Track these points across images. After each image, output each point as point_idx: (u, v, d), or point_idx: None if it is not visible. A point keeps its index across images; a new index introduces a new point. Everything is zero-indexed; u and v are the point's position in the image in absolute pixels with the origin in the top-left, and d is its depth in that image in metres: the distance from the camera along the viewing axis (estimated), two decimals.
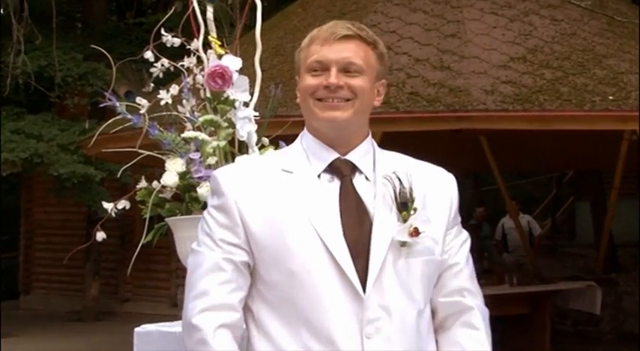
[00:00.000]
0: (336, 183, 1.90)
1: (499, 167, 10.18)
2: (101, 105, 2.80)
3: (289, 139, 2.87)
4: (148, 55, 2.89)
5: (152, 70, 2.93)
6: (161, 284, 13.67)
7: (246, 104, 2.75)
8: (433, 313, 1.97)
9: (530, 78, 6.99)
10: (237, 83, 2.70)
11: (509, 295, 8.91)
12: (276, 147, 2.76)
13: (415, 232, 1.86)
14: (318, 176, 1.90)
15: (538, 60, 7.21)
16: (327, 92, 1.89)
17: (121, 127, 2.85)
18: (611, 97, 6.71)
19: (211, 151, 2.68)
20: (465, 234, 2.03)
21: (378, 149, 1.98)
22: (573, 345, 9.83)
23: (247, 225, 1.86)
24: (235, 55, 2.75)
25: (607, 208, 11.05)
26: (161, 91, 2.82)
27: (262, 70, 2.95)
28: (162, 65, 2.93)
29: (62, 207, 14.33)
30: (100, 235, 2.82)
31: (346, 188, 1.89)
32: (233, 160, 2.69)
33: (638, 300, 10.97)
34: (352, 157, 1.92)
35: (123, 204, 2.77)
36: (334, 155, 1.91)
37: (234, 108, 2.71)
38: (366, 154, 1.94)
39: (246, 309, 1.89)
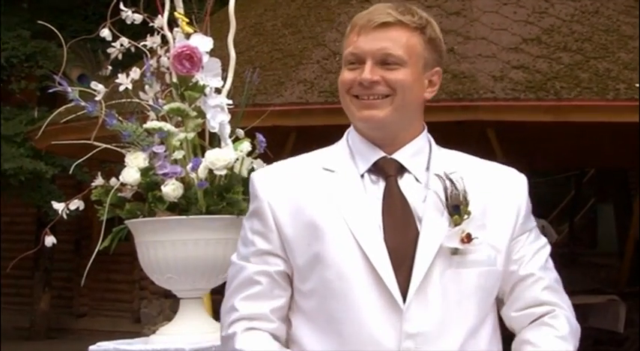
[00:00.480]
0: (381, 184, 1.94)
1: (509, 165, 10.21)
2: (51, 90, 2.80)
3: (267, 131, 2.89)
4: (105, 33, 2.89)
5: (110, 50, 2.93)
6: (122, 297, 13.65)
7: (218, 91, 2.76)
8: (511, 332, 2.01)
9: (546, 62, 7.02)
10: (208, 67, 2.71)
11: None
12: (253, 140, 2.77)
13: (467, 239, 1.88)
14: (362, 176, 1.95)
15: (554, 42, 7.25)
16: (361, 89, 1.93)
17: (74, 115, 2.84)
18: (637, 85, 6.75)
19: (178, 144, 2.68)
20: (543, 241, 2.06)
21: (435, 147, 2.01)
22: None
23: (281, 229, 1.92)
24: (206, 34, 2.76)
25: (633, 211, 11.10)
26: (120, 75, 2.82)
27: (237, 52, 2.96)
28: (122, 45, 2.93)
29: (8, 208, 14.28)
30: (50, 240, 2.83)
31: (390, 189, 1.93)
32: (203, 155, 2.70)
33: None
34: (399, 156, 1.96)
35: (76, 204, 2.78)
36: (379, 154, 1.96)
37: (205, 95, 2.71)
38: (417, 152, 1.98)
39: (286, 322, 1.96)
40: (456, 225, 1.90)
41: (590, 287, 12.12)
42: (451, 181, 1.93)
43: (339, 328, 1.85)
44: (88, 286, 13.11)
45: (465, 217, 1.90)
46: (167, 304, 10.16)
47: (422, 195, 1.93)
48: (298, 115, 6.81)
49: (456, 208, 1.91)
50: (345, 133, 2.03)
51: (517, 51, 7.13)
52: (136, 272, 13.20)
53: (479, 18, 7.50)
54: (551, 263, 2.06)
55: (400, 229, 1.89)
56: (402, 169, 1.95)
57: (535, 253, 2.02)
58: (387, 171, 1.94)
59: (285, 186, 1.95)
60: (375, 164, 1.95)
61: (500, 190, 2.00)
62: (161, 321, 8.79)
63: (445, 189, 1.92)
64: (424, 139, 2.01)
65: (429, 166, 1.97)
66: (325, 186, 1.93)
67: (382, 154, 1.95)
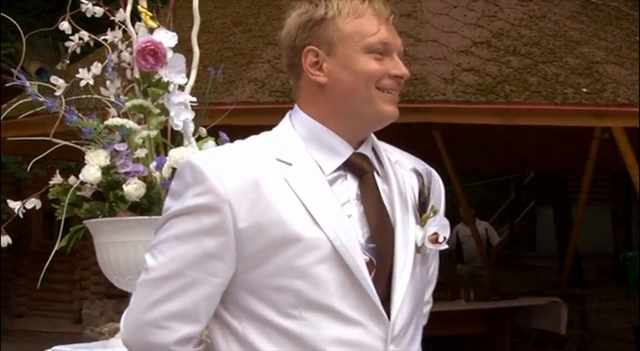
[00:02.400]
0: (350, 181, 1.82)
1: (454, 167, 10.30)
2: (8, 85, 2.70)
3: (231, 130, 2.82)
4: (65, 26, 2.81)
5: (69, 44, 2.85)
6: (62, 297, 13.42)
7: (181, 88, 2.69)
8: None
9: (495, 66, 7.06)
10: (172, 63, 2.65)
11: (465, 312, 9.02)
12: (217, 138, 2.71)
13: (436, 239, 1.83)
14: (322, 172, 1.80)
15: (504, 45, 7.30)
16: (394, 83, 1.82)
17: (31, 111, 2.76)
18: (584, 90, 6.83)
19: (140, 141, 2.62)
20: None
21: (376, 140, 1.91)
22: None
23: (240, 233, 1.73)
24: (169, 29, 2.69)
25: (572, 214, 11.27)
26: (80, 70, 2.74)
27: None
28: (81, 39, 2.85)
29: None
30: (5, 240, 2.73)
31: (369, 188, 1.82)
32: (165, 153, 2.63)
33: (604, 318, 11.23)
34: (364, 150, 1.85)
35: (32, 203, 2.69)
36: (350, 150, 1.83)
37: (168, 92, 2.65)
38: (369, 147, 1.88)
39: (223, 326, 1.79)
40: (423, 223, 1.84)
41: (530, 288, 12.31)
42: (419, 175, 1.87)
43: (318, 339, 1.73)
44: (27, 285, 12.88)
45: (431, 215, 1.84)
46: (109, 305, 10.01)
47: (386, 190, 1.84)
48: (249, 115, 6.75)
49: (423, 205, 1.85)
50: (288, 122, 1.86)
51: (467, 54, 7.17)
52: (77, 272, 13.01)
53: (429, 20, 7.53)
54: None
55: (383, 230, 1.81)
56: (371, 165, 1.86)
57: (435, 254, 1.97)
58: (363, 167, 1.83)
59: (244, 181, 1.74)
60: (346, 161, 1.82)
61: (429, 184, 1.93)
62: (104, 322, 8.64)
63: (420, 185, 1.86)
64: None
65: (378, 158, 1.88)
66: (286, 181, 1.76)
67: (351, 149, 1.83)
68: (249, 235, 1.72)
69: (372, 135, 1.90)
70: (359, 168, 1.82)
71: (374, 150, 1.89)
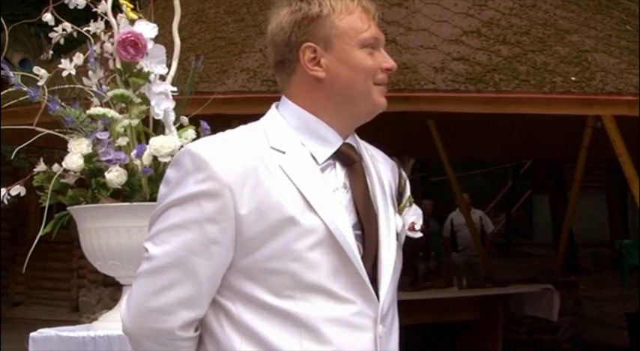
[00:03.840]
0: (338, 171, 1.90)
1: (449, 155, 10.35)
2: None
3: (210, 120, 2.89)
4: (47, 17, 2.86)
5: (52, 35, 2.90)
6: (60, 285, 13.49)
7: (162, 78, 2.75)
8: None
9: (485, 55, 7.11)
10: (153, 53, 2.70)
11: (458, 300, 9.07)
12: (197, 127, 2.77)
13: (413, 227, 1.92)
14: (315, 160, 1.87)
15: (494, 34, 7.35)
16: (385, 77, 1.92)
17: (15, 101, 2.82)
18: (573, 78, 6.88)
19: (122, 130, 2.68)
20: None
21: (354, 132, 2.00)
22: None
23: (240, 218, 1.78)
24: (150, 20, 2.75)
25: (567, 203, 11.32)
26: (63, 61, 2.79)
27: (181, 39, 2.96)
28: (64, 30, 2.90)
29: None
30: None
31: (358, 176, 1.90)
32: (147, 142, 2.69)
33: (598, 305, 11.29)
34: (351, 141, 1.94)
35: (17, 190, 2.75)
36: (340, 140, 1.91)
37: (149, 82, 2.70)
38: (353, 137, 1.97)
39: (218, 309, 1.85)
40: (400, 212, 1.93)
41: (525, 277, 12.35)
42: (398, 167, 1.97)
43: (312, 317, 1.81)
44: (25, 274, 12.91)
45: (408, 204, 1.94)
46: (106, 293, 10.07)
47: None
48: (241, 104, 6.81)
49: (400, 195, 1.95)
50: (276, 112, 1.93)
51: (458, 43, 7.22)
52: (75, 260, 13.07)
53: (420, 9, 7.57)
54: None
55: (370, 217, 1.89)
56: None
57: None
58: (353, 157, 1.91)
59: (245, 168, 1.80)
60: (337, 151, 1.90)
61: (392, 176, 2.03)
62: (100, 309, 8.72)
63: (399, 176, 1.96)
64: None
65: (359, 151, 1.96)
66: (282, 168, 1.83)
67: (340, 139, 1.91)
68: (249, 221, 1.78)
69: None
70: (348, 157, 1.90)
71: (355, 141, 1.96)
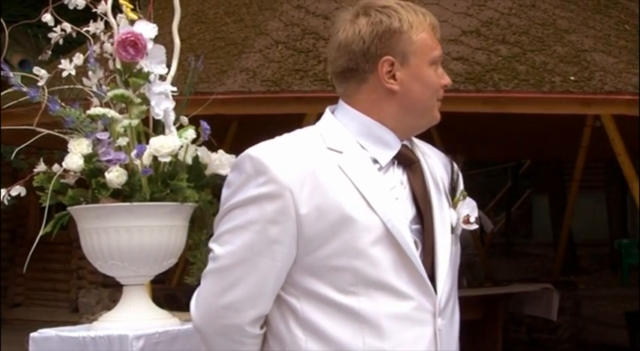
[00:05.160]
0: (397, 169, 1.99)
1: (448, 155, 10.33)
2: None
3: (211, 118, 2.89)
4: (47, 18, 2.87)
5: (51, 35, 2.91)
6: (59, 286, 13.49)
7: (162, 78, 2.76)
8: None
9: (484, 54, 7.11)
10: (152, 53, 2.71)
11: (458, 299, 9.06)
12: (197, 127, 2.77)
13: (467, 220, 2.00)
14: (375, 161, 1.97)
15: (493, 34, 7.35)
16: (442, 93, 2.05)
17: (15, 101, 2.82)
18: (572, 78, 6.88)
19: (122, 130, 2.68)
20: None
21: None
22: None
23: (301, 218, 1.87)
24: (150, 21, 2.75)
25: (567, 202, 11.32)
26: (63, 61, 2.80)
27: (181, 40, 2.96)
28: (64, 30, 2.90)
29: None
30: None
31: (420, 175, 2.00)
32: (147, 141, 2.70)
33: (598, 305, 11.30)
34: (407, 143, 2.05)
35: (17, 190, 2.75)
36: (399, 142, 2.01)
37: (149, 82, 2.71)
38: (407, 139, 2.07)
39: (283, 307, 1.94)
40: (455, 207, 2.01)
41: (525, 276, 12.36)
42: (450, 163, 2.07)
43: (374, 313, 1.89)
44: (24, 275, 12.93)
45: (461, 198, 2.02)
46: (106, 294, 10.06)
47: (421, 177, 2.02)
48: (240, 104, 6.81)
49: (454, 190, 2.04)
50: (329, 114, 2.02)
51: (457, 43, 7.22)
52: (74, 261, 13.07)
53: None
54: None
55: (427, 212, 1.97)
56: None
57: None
58: (412, 157, 2.01)
59: (304, 170, 1.90)
60: (398, 152, 2.01)
61: (445, 172, 2.11)
62: (100, 310, 8.72)
63: (452, 172, 2.05)
64: None
65: (413, 148, 2.06)
66: (340, 168, 1.92)
67: (399, 141, 2.01)
68: (309, 220, 1.87)
69: None
70: (408, 158, 2.01)
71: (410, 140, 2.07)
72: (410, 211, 1.96)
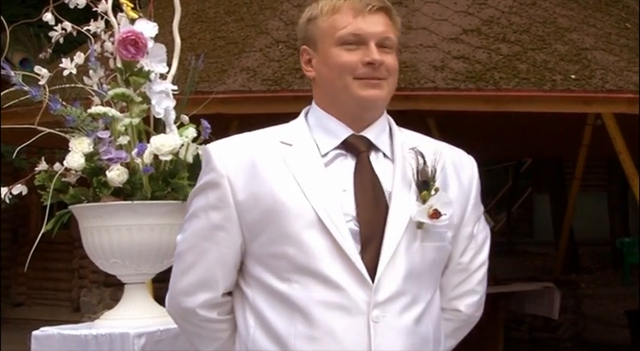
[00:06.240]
0: (349, 161, 2.00)
1: None
2: None
3: (211, 117, 2.90)
4: (48, 17, 2.87)
5: (52, 34, 2.91)
6: (61, 285, 13.49)
7: (162, 77, 2.76)
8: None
9: (485, 53, 7.11)
10: (153, 52, 2.72)
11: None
12: (198, 126, 2.78)
13: (435, 215, 1.96)
14: (325, 154, 1.99)
15: (494, 33, 7.35)
16: (369, 70, 1.98)
17: (16, 100, 2.83)
18: (573, 76, 6.88)
19: (123, 129, 2.69)
20: (487, 229, 2.16)
21: (395, 127, 2.09)
22: None
23: (239, 205, 1.94)
24: (150, 20, 2.76)
25: (568, 201, 11.32)
26: (64, 60, 2.80)
27: (181, 39, 2.97)
28: (64, 29, 2.91)
29: None
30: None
31: (363, 165, 2.00)
32: (148, 140, 2.70)
33: (599, 304, 11.30)
34: (368, 133, 2.03)
35: (19, 189, 2.76)
36: (349, 131, 2.02)
37: (149, 81, 2.72)
38: (382, 131, 2.05)
39: (242, 296, 1.99)
40: (424, 201, 1.97)
41: (526, 275, 12.34)
42: (422, 156, 2.01)
43: (305, 300, 1.90)
44: (26, 274, 12.94)
45: (433, 193, 1.98)
46: (107, 293, 10.08)
47: (390, 171, 2.01)
48: (241, 103, 6.82)
49: (425, 183, 1.99)
50: (302, 113, 2.08)
51: (457, 41, 7.22)
52: (75, 261, 13.07)
53: (420, 8, 7.57)
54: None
55: (372, 204, 1.96)
56: (370, 146, 2.02)
57: (482, 244, 2.13)
58: (359, 147, 2.00)
59: (243, 159, 1.97)
60: (344, 141, 2.01)
61: (454, 169, 2.08)
62: (101, 309, 8.73)
63: (417, 164, 2.00)
64: (385, 118, 2.09)
65: (392, 143, 2.05)
66: (283, 160, 1.96)
67: (350, 131, 2.01)
68: (247, 207, 1.93)
69: (392, 122, 2.09)
70: (355, 148, 2.00)
71: (391, 134, 2.05)
72: (358, 202, 1.96)
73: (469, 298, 2.14)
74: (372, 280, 1.90)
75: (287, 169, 1.95)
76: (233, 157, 1.97)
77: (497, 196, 19.45)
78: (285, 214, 1.91)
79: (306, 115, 2.07)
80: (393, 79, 2.02)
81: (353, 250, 1.91)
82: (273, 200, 1.92)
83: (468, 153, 2.17)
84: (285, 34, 7.28)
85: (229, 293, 2.03)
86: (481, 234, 2.14)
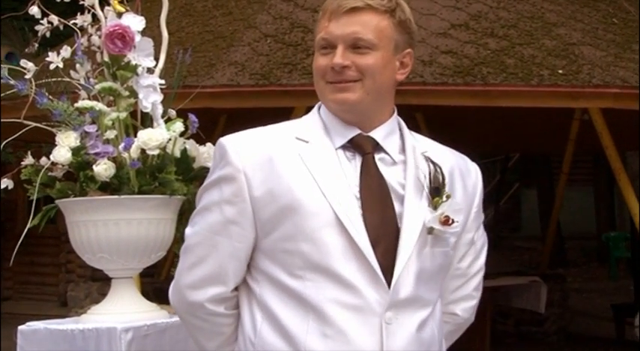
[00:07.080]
0: (357, 161, 1.99)
1: None
2: None
3: (199, 112, 2.89)
4: (34, 10, 2.86)
5: (38, 28, 2.90)
6: (48, 280, 13.47)
7: (150, 71, 2.75)
8: None
9: (473, 48, 7.12)
10: (140, 46, 2.70)
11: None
12: (185, 120, 2.77)
13: (447, 221, 1.96)
14: (336, 150, 1.98)
15: (482, 27, 7.35)
16: (333, 74, 1.97)
17: (2, 94, 2.81)
18: (560, 71, 6.90)
19: (110, 123, 2.68)
20: (484, 235, 2.18)
21: (407, 131, 2.07)
22: (515, 347, 10.11)
23: (255, 200, 1.92)
24: (137, 13, 2.75)
25: (555, 196, 11.36)
26: (50, 54, 2.79)
27: (169, 33, 2.96)
28: (51, 23, 2.90)
29: None
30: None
31: (368, 166, 1.98)
32: (135, 134, 2.69)
33: (585, 298, 11.33)
34: (375, 134, 2.01)
35: (5, 183, 2.75)
36: (355, 131, 2.00)
37: (137, 75, 2.71)
38: (391, 133, 2.03)
39: (248, 291, 1.98)
40: (435, 206, 1.97)
41: (513, 269, 12.38)
42: (434, 163, 2.00)
43: (318, 298, 1.89)
44: (12, 269, 12.91)
45: (444, 199, 1.98)
46: (94, 287, 10.05)
47: (398, 174, 2.00)
48: (229, 98, 6.80)
49: (437, 190, 1.99)
50: (316, 108, 2.06)
51: (445, 36, 7.22)
52: (63, 255, 13.05)
53: (408, 3, 7.54)
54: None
55: (377, 205, 1.95)
56: (377, 148, 2.01)
57: (480, 250, 2.16)
58: (365, 148, 1.99)
59: (260, 155, 1.95)
60: (351, 140, 1.99)
61: (460, 175, 2.08)
62: (88, 304, 8.70)
63: (430, 170, 1.99)
64: (395, 121, 2.06)
65: (404, 146, 2.03)
66: (300, 156, 1.95)
67: (358, 131, 2.00)
68: (263, 203, 1.92)
69: (402, 124, 2.07)
70: (360, 148, 1.99)
71: (402, 137, 2.04)
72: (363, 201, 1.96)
73: (466, 302, 2.16)
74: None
75: (304, 166, 1.94)
76: (250, 152, 1.95)
77: (484, 190, 19.51)
78: (302, 212, 1.90)
79: (318, 110, 2.06)
80: (370, 80, 1.96)
81: (369, 249, 1.91)
82: (290, 197, 1.91)
83: (456, 148, 2.16)
84: (273, 28, 7.27)
85: (236, 288, 2.02)
86: (480, 240, 2.15)
